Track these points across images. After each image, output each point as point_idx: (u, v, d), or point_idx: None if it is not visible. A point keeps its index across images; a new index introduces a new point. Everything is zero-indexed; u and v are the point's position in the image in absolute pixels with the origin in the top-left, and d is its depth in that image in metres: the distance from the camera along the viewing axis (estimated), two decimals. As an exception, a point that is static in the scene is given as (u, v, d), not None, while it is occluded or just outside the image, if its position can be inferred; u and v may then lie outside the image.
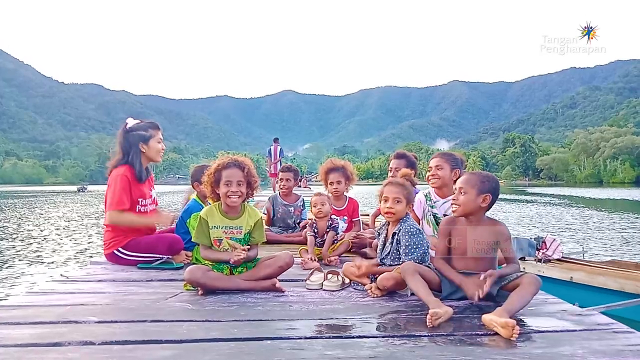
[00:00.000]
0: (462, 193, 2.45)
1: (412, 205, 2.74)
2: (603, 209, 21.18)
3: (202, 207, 3.63)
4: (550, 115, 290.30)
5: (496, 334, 1.92)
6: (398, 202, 2.65)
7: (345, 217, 4.23)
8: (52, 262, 8.62)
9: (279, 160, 14.50)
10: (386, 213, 2.68)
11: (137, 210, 3.44)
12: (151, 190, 3.65)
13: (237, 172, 2.64)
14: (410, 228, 2.62)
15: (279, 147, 15.12)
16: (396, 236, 2.65)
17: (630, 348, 1.74)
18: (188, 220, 3.64)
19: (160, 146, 3.59)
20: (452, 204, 2.52)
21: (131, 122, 3.56)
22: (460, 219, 2.53)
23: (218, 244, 2.69)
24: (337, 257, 3.53)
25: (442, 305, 2.13)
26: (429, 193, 3.42)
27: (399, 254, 2.63)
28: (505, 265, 2.45)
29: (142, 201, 3.48)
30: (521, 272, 2.35)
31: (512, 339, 1.84)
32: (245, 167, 2.67)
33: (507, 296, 2.19)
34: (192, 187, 3.86)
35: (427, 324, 2.01)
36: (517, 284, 2.23)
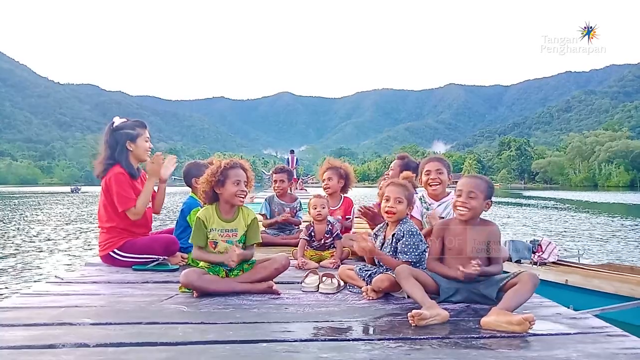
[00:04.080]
0: (473, 197, 2.42)
1: (413, 207, 2.74)
2: (598, 213, 21.28)
3: (199, 203, 3.63)
4: (546, 119, 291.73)
5: (492, 336, 1.92)
6: (399, 202, 2.66)
7: (339, 217, 4.28)
8: (46, 264, 8.57)
9: (295, 168, 17.31)
10: (387, 212, 2.68)
11: None
12: None
13: (242, 172, 2.72)
14: (411, 228, 2.64)
15: (295, 157, 19.15)
16: (395, 237, 2.65)
17: (624, 352, 1.75)
18: (188, 216, 3.63)
19: (147, 145, 3.56)
20: (460, 207, 2.45)
21: (118, 120, 3.56)
22: (454, 220, 2.55)
23: (214, 246, 2.70)
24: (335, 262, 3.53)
25: (437, 307, 2.13)
26: (423, 196, 3.42)
27: (396, 255, 2.63)
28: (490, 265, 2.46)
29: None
30: (518, 271, 2.36)
31: (527, 332, 1.94)
32: (246, 169, 2.77)
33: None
34: (192, 183, 3.79)
35: (410, 321, 2.02)
36: (515, 282, 2.24)
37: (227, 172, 2.67)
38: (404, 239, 2.61)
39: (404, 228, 2.64)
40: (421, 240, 2.64)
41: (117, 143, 3.46)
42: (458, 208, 2.47)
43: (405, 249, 2.59)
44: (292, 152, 20.10)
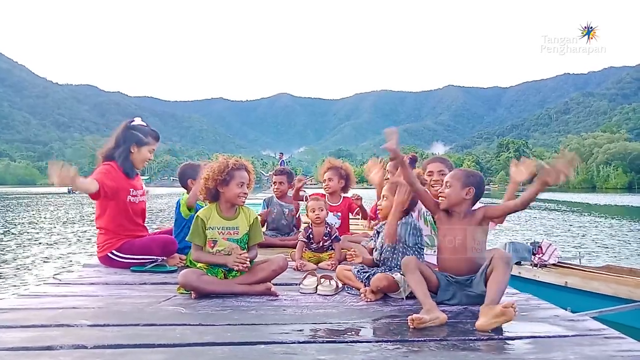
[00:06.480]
0: (448, 186, 2.54)
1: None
2: (597, 215, 21.30)
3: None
4: (544, 121, 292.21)
5: (489, 338, 1.93)
6: (385, 198, 2.77)
7: (339, 214, 4.30)
8: (44, 265, 8.55)
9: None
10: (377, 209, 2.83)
11: (127, 200, 3.45)
12: (141, 186, 3.69)
13: (246, 174, 2.74)
14: (412, 227, 2.66)
15: (285, 160, 22.38)
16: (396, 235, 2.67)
17: (622, 354, 1.75)
18: (180, 207, 3.64)
19: (148, 156, 3.61)
20: (439, 197, 2.57)
21: (138, 121, 3.60)
22: (448, 218, 2.57)
23: (212, 244, 2.69)
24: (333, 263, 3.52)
25: (436, 310, 2.13)
26: None
27: (396, 252, 2.64)
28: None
29: (132, 191, 3.50)
30: (491, 255, 2.31)
31: (515, 316, 1.98)
32: (249, 171, 2.78)
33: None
34: (188, 184, 3.74)
35: (409, 324, 2.03)
36: (492, 268, 2.25)
37: (233, 172, 2.68)
38: (406, 238, 2.64)
39: (409, 224, 2.67)
40: (420, 236, 2.68)
41: (125, 141, 3.49)
42: (439, 198, 2.58)
43: (411, 249, 2.64)
44: (281, 154, 22.92)
